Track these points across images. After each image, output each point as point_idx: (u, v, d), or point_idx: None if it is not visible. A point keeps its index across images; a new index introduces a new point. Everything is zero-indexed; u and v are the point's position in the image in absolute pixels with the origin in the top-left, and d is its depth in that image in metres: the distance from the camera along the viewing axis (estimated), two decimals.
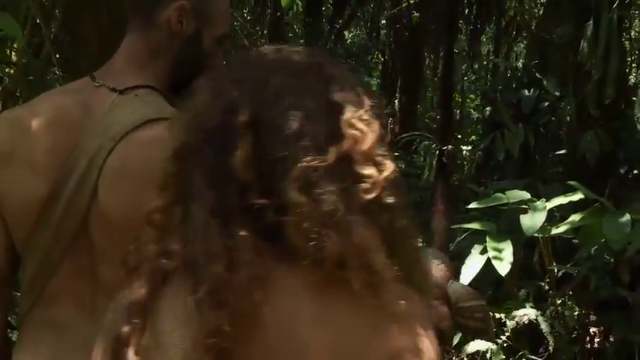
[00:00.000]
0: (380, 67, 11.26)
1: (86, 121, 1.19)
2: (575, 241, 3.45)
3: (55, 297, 1.19)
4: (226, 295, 0.75)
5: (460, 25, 8.09)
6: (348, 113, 0.81)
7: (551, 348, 3.31)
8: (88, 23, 1.99)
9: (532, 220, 3.00)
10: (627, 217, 2.80)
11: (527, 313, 3.33)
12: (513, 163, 5.38)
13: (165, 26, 1.23)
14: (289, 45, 0.94)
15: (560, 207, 3.19)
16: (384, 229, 0.79)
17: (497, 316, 3.39)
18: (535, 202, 3.11)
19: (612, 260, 3.54)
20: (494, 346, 3.15)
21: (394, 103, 9.07)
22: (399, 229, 0.81)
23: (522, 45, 10.23)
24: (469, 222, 3.53)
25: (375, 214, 0.79)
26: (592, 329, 3.65)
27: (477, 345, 3.10)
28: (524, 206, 3.11)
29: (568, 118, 5.03)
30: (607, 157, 4.43)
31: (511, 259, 2.95)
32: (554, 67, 5.36)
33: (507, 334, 3.37)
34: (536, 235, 3.15)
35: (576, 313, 3.55)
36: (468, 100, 10.84)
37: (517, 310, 3.40)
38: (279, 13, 6.39)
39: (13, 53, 2.11)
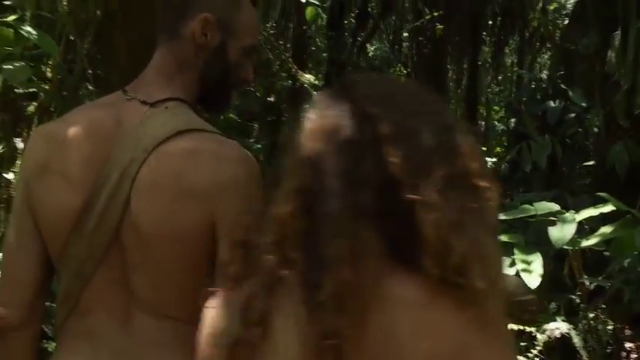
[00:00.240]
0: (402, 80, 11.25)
1: (118, 134, 1.20)
2: (607, 253, 3.40)
3: (89, 308, 1.20)
4: (349, 299, 0.80)
5: (483, 36, 8.06)
6: (459, 134, 0.91)
7: None
8: (119, 39, 2.02)
9: (561, 232, 2.96)
10: None
11: (558, 327, 3.27)
12: (540, 174, 5.32)
13: (191, 39, 1.24)
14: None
15: (589, 219, 3.14)
16: (495, 240, 0.88)
17: (528, 329, 3.34)
18: (564, 213, 3.07)
19: None
20: None
21: None
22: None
23: (546, 56, 10.16)
24: None
25: (492, 225, 0.87)
26: (627, 344, 3.57)
27: None
28: (552, 218, 3.07)
29: (595, 129, 4.97)
30: (637, 167, 4.37)
31: (541, 271, 2.90)
32: (580, 77, 5.31)
33: (539, 347, 3.31)
34: (565, 247, 3.10)
35: (610, 327, 3.47)
36: (493, 112, 10.77)
37: (548, 323, 3.34)
38: (304, 27, 6.43)
39: (48, 69, 2.16)
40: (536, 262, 2.93)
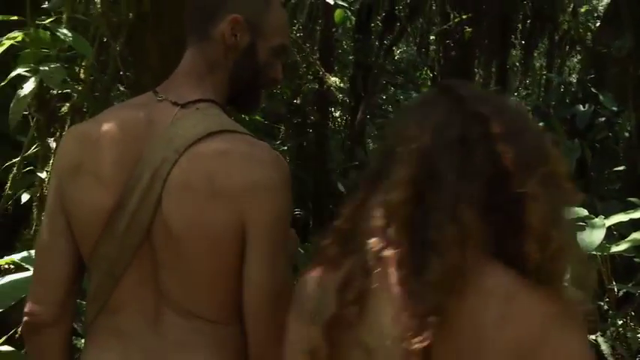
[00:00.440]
0: (429, 84, 11.18)
1: (149, 134, 1.21)
2: (636, 259, 3.33)
3: (119, 306, 1.22)
4: (455, 280, 0.87)
5: (512, 39, 7.98)
6: (547, 139, 1.00)
7: None
8: (151, 41, 2.05)
9: (590, 238, 2.91)
10: None
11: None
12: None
13: (220, 40, 1.25)
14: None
15: (619, 224, 3.09)
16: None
17: None
18: (593, 219, 3.02)
19: None
20: None
21: None
22: None
23: (575, 59, 10.02)
24: None
25: (573, 223, 0.98)
26: None
27: None
28: (581, 223, 3.02)
29: (626, 133, 4.89)
30: None
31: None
32: (611, 81, 5.22)
33: None
34: (594, 253, 3.05)
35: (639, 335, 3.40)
36: None
37: None
38: (334, 29, 6.43)
39: (81, 71, 2.20)
40: None
